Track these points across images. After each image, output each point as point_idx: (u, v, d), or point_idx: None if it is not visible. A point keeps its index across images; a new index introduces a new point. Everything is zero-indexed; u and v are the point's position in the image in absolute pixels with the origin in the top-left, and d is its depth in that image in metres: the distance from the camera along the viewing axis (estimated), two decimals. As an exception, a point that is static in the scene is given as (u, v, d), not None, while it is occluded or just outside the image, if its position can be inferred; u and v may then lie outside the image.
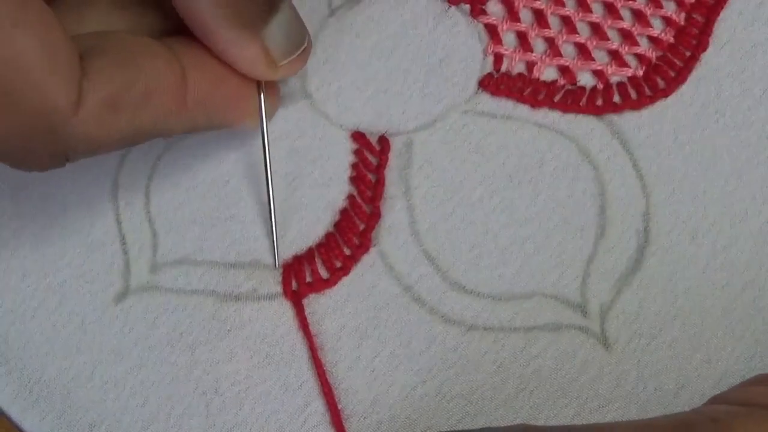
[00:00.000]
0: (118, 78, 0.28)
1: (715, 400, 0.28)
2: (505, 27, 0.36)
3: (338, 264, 0.33)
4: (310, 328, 0.33)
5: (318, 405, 0.32)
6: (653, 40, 0.36)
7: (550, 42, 0.36)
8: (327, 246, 0.33)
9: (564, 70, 0.36)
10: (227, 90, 0.31)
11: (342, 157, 0.35)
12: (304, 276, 0.33)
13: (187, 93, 0.29)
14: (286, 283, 0.33)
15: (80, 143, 0.28)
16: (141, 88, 0.28)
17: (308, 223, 0.34)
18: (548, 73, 0.36)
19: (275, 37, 0.30)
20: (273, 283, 0.33)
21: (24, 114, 0.26)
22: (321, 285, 0.33)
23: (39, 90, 0.26)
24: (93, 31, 0.29)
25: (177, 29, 0.30)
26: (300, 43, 0.32)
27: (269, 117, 0.33)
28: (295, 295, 0.33)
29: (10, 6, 0.25)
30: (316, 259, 0.33)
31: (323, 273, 0.33)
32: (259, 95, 0.32)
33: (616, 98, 0.35)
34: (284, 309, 0.33)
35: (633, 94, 0.35)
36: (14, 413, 0.32)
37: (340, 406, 0.32)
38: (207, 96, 0.30)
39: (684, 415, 0.27)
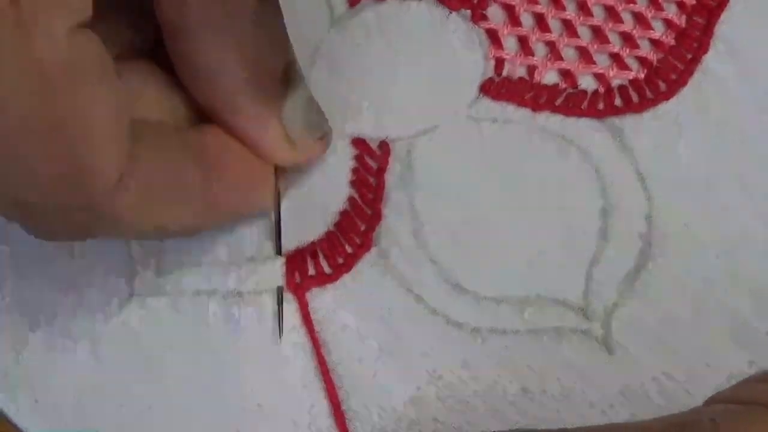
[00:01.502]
0: (158, 167, 0.28)
1: (713, 399, 0.28)
2: (506, 31, 0.37)
3: (340, 260, 0.34)
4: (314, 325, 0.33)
5: (323, 406, 0.33)
6: (654, 43, 0.37)
7: (551, 46, 0.37)
8: (329, 242, 0.34)
9: (565, 74, 0.36)
10: (245, 183, 0.31)
11: (343, 162, 0.35)
12: (307, 269, 0.34)
13: (209, 193, 0.30)
14: (289, 275, 0.34)
15: (110, 222, 0.27)
16: (176, 182, 0.29)
17: (309, 223, 0.35)
18: (549, 76, 0.36)
19: (294, 113, 0.31)
20: (276, 279, 0.34)
21: (72, 170, 0.25)
22: (324, 279, 0.34)
23: (96, 151, 0.25)
24: (137, 117, 0.28)
25: (194, 116, 0.31)
26: (318, 127, 0.33)
27: (282, 197, 0.34)
28: (299, 288, 0.34)
29: (98, 59, 0.25)
30: (318, 254, 0.34)
31: (326, 268, 0.34)
32: (277, 176, 0.33)
33: (618, 101, 0.36)
34: (288, 305, 0.34)
35: (634, 97, 0.36)
36: (24, 425, 0.33)
37: (343, 408, 0.32)
38: (227, 196, 0.31)
39: (682, 415, 0.27)
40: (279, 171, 0.33)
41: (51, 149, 0.25)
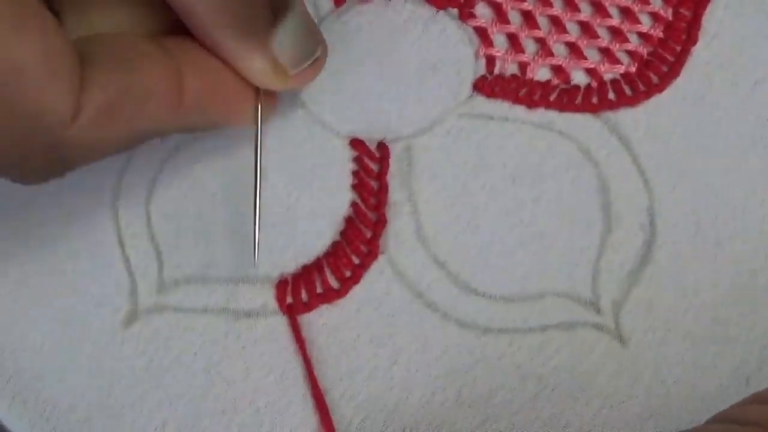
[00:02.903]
0: (116, 84, 0.28)
1: (714, 419, 0.29)
2: (494, 29, 0.38)
3: (348, 273, 0.34)
4: (318, 340, 0.34)
5: (338, 418, 0.33)
6: (643, 36, 0.38)
7: (541, 42, 0.38)
8: (335, 255, 0.34)
9: (557, 70, 0.37)
10: (225, 91, 0.31)
11: (342, 165, 0.35)
12: (315, 287, 0.34)
13: (184, 94, 0.30)
14: (280, 298, 0.34)
15: (79, 151, 0.28)
16: (138, 93, 0.28)
17: (314, 233, 0.35)
18: (541, 73, 0.37)
19: (284, 45, 0.30)
20: (268, 296, 0.34)
21: (23, 121, 0.26)
22: (332, 295, 0.34)
23: (38, 97, 0.26)
24: (89, 35, 0.29)
25: (178, 27, 0.31)
26: (312, 51, 0.32)
27: (267, 118, 0.33)
28: (291, 309, 0.34)
29: (9, 10, 0.26)
30: (325, 269, 0.34)
31: (333, 283, 0.34)
32: (257, 100, 0.32)
33: (611, 95, 0.37)
34: (282, 327, 0.34)
35: (627, 91, 0.37)
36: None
37: (361, 416, 0.32)
38: (204, 97, 0.30)
39: None
40: (261, 92, 0.32)
41: None
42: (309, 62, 0.32)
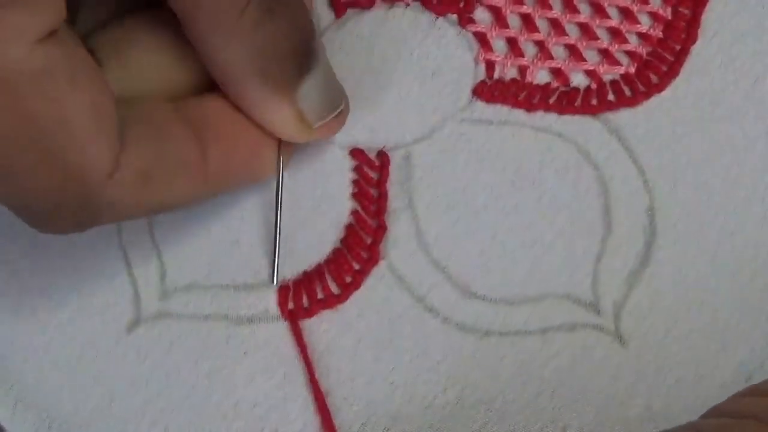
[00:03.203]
0: (152, 149, 0.29)
1: (708, 413, 0.29)
2: (494, 34, 0.38)
3: (348, 279, 0.35)
4: (319, 345, 0.35)
5: (339, 423, 0.33)
6: (642, 36, 0.38)
7: (541, 45, 0.38)
8: (336, 262, 0.35)
9: (556, 72, 0.38)
10: (246, 154, 0.32)
11: (342, 174, 0.36)
12: (315, 293, 0.35)
13: (208, 165, 0.30)
14: (282, 303, 0.35)
15: (108, 210, 0.28)
16: (170, 162, 0.29)
17: (314, 241, 0.35)
18: (541, 76, 0.38)
19: (310, 97, 0.31)
20: (271, 305, 0.35)
21: (63, 172, 0.27)
22: (333, 300, 0.35)
23: (82, 150, 0.27)
24: (123, 98, 0.29)
25: (205, 83, 0.31)
26: (336, 104, 0.32)
27: (285, 167, 0.34)
28: (292, 315, 0.35)
29: (65, 63, 0.26)
30: (326, 275, 0.35)
31: (334, 288, 0.35)
32: (279, 154, 0.33)
33: (611, 96, 0.37)
34: (283, 332, 0.34)
35: (627, 92, 0.37)
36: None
37: (362, 421, 0.33)
38: (226, 166, 0.31)
39: (675, 430, 0.28)
40: (281, 143, 0.33)
41: (33, 158, 0.26)
42: (333, 115, 0.32)
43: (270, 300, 0.35)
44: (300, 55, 0.31)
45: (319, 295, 0.35)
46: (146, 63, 0.31)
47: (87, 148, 0.27)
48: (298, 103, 0.31)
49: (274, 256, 0.34)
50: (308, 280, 0.35)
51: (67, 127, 0.26)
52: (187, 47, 0.30)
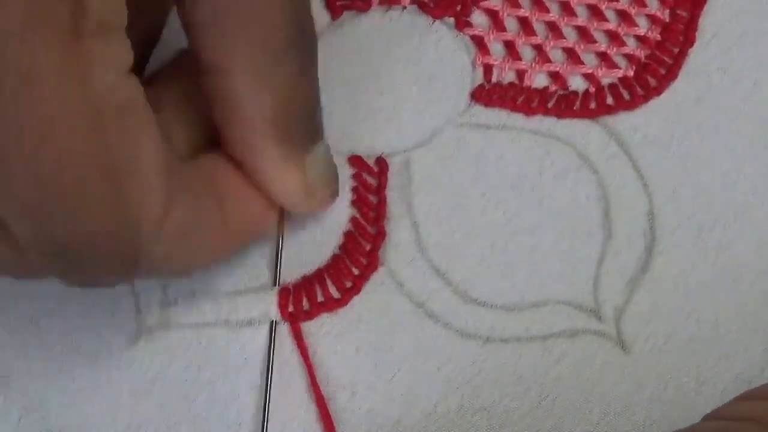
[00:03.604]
0: (190, 206, 0.28)
1: (708, 416, 0.29)
2: (491, 37, 0.38)
3: (348, 284, 0.35)
4: (319, 351, 0.34)
5: (340, 429, 0.33)
6: (640, 39, 0.38)
7: (538, 49, 0.38)
8: (335, 267, 0.35)
9: (555, 76, 0.38)
10: (256, 212, 0.32)
11: (341, 182, 0.36)
12: (315, 296, 0.34)
13: (227, 225, 0.30)
14: (282, 305, 0.34)
15: (147, 262, 0.27)
16: (203, 219, 0.29)
17: (313, 247, 0.35)
18: (539, 79, 0.38)
19: (316, 164, 0.31)
20: (271, 310, 0.35)
21: (121, 215, 0.26)
22: (333, 304, 0.34)
23: (145, 191, 0.26)
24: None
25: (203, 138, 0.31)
26: (334, 179, 0.33)
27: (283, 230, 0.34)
28: (292, 317, 0.34)
29: (144, 108, 0.26)
30: (326, 280, 0.35)
31: (334, 292, 0.35)
32: (280, 217, 0.34)
33: (609, 100, 0.37)
34: (284, 335, 0.34)
35: (625, 95, 0.37)
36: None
37: (363, 430, 0.33)
38: (241, 225, 0.31)
39: None
40: None
41: (101, 190, 0.25)
42: (332, 190, 0.33)
43: (271, 303, 0.35)
44: (315, 121, 0.31)
45: (320, 298, 0.35)
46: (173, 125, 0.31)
47: (150, 188, 0.26)
48: (306, 168, 0.31)
49: (277, 259, 0.34)
50: (308, 283, 0.35)
51: (139, 163, 0.26)
52: (187, 110, 0.31)
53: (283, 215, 0.34)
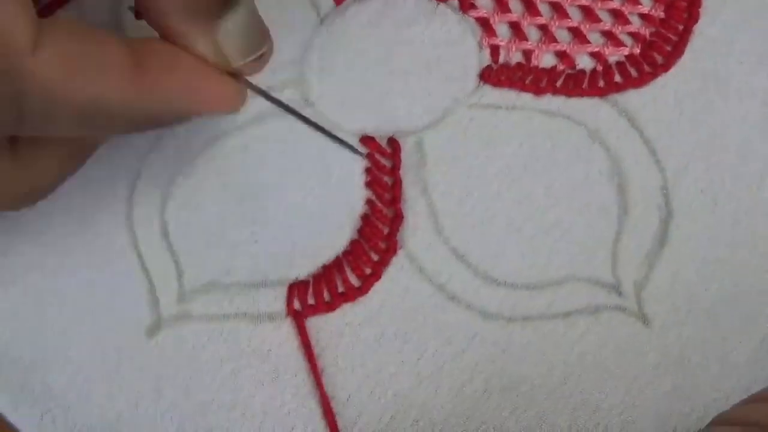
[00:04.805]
0: (74, 44, 0.29)
1: (716, 420, 0.30)
2: (496, 19, 0.38)
3: (368, 270, 0.35)
4: (342, 340, 0.35)
5: (367, 417, 0.33)
6: (645, 17, 0.38)
7: (544, 29, 0.38)
8: (354, 253, 0.35)
9: (562, 55, 0.38)
10: (186, 75, 0.32)
11: (354, 162, 0.36)
12: (336, 286, 0.35)
13: (144, 74, 0.30)
14: (289, 301, 0.35)
15: (36, 95, 0.28)
16: (95, 58, 0.29)
17: (331, 232, 0.35)
18: (546, 59, 0.38)
19: (230, 35, 0.31)
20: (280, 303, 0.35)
21: None
22: (354, 293, 0.34)
23: (2, 14, 0.27)
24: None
25: None
26: (258, 46, 0.33)
27: (235, 111, 0.33)
28: (298, 315, 0.35)
29: None
30: (345, 268, 0.35)
31: (354, 281, 0.35)
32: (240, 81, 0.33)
33: (617, 78, 0.38)
34: (319, 321, 0.34)
35: (633, 72, 0.38)
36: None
37: (390, 413, 0.33)
38: (163, 78, 0.31)
39: None
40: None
41: None
42: (254, 56, 0.33)
43: (275, 296, 0.35)
44: None
45: (340, 288, 0.35)
46: None
47: (7, 11, 0.27)
48: (218, 39, 0.31)
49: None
50: (328, 273, 0.35)
51: None
52: None
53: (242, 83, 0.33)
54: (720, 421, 0.30)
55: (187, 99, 0.32)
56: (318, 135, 0.36)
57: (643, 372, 0.34)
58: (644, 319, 0.35)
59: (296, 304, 0.35)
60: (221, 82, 0.32)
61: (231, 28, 0.31)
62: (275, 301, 0.35)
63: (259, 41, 0.33)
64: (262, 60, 0.33)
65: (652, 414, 0.34)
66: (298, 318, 0.34)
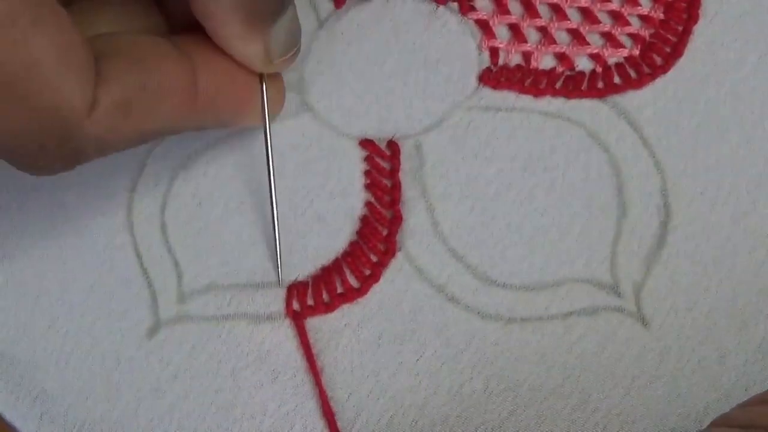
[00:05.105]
0: (132, 80, 0.29)
1: (717, 421, 0.30)
2: (496, 21, 0.39)
3: (367, 272, 0.35)
4: (341, 340, 0.35)
5: (366, 417, 0.33)
6: (644, 18, 0.39)
7: (543, 31, 0.39)
8: (353, 255, 0.35)
9: (561, 57, 0.38)
10: (235, 88, 0.33)
11: (353, 165, 0.36)
12: (335, 287, 0.35)
13: (198, 92, 0.31)
14: (288, 302, 0.35)
15: (92, 145, 0.29)
16: (153, 90, 0.30)
17: (330, 234, 0.36)
18: (546, 61, 0.38)
19: (278, 36, 0.32)
20: (279, 304, 0.35)
21: (39, 114, 0.28)
22: (353, 294, 0.35)
23: (54, 90, 0.28)
24: (105, 33, 0.30)
25: (183, 27, 0.32)
26: (295, 44, 0.34)
27: (274, 114, 0.35)
28: (297, 316, 0.35)
29: (27, 5, 0.27)
30: (344, 269, 0.35)
31: (353, 282, 0.35)
32: (262, 88, 0.34)
33: (617, 79, 0.38)
34: (318, 322, 0.35)
35: (632, 74, 0.38)
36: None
37: (390, 413, 0.33)
38: (216, 94, 0.32)
39: None
40: (266, 81, 0.34)
41: (3, 103, 0.27)
42: (291, 53, 0.34)
43: (275, 297, 0.35)
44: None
45: (339, 290, 0.35)
46: (115, 18, 0.32)
47: (59, 87, 0.28)
48: (268, 40, 0.32)
49: (277, 258, 0.35)
50: (327, 274, 0.35)
51: (35, 70, 0.27)
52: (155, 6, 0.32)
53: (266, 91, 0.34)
54: (720, 422, 0.30)
55: (237, 113, 0.34)
56: (318, 138, 0.36)
57: (642, 373, 0.34)
58: (643, 320, 0.35)
59: (295, 305, 0.35)
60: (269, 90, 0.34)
61: (279, 30, 0.32)
62: (274, 301, 0.35)
63: (297, 40, 0.34)
64: (294, 57, 0.34)
65: (651, 415, 0.34)
66: (297, 319, 0.35)
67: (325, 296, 0.35)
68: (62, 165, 0.30)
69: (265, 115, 0.34)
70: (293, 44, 0.34)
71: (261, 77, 0.34)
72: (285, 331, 0.35)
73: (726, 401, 0.34)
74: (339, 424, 0.34)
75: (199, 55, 0.32)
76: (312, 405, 0.34)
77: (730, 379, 0.34)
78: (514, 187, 0.36)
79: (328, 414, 0.34)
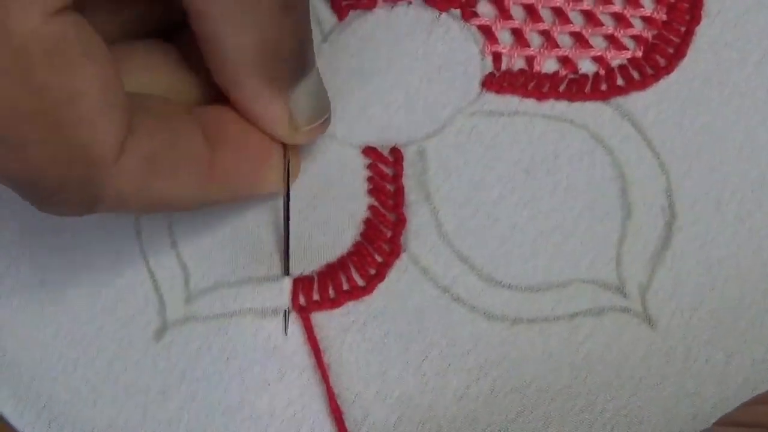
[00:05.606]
0: (161, 138, 0.29)
1: (722, 421, 0.30)
2: (498, 26, 0.39)
3: (372, 271, 0.35)
4: (347, 339, 0.35)
5: (373, 418, 0.34)
6: (646, 20, 0.39)
7: (546, 34, 0.39)
8: (358, 254, 0.36)
9: (564, 60, 0.39)
10: (253, 159, 0.33)
11: (357, 173, 0.37)
12: (341, 283, 0.35)
13: (215, 167, 0.31)
14: (294, 295, 0.35)
15: (111, 194, 0.29)
16: (178, 154, 0.30)
17: (334, 236, 0.36)
18: (549, 65, 0.38)
19: (301, 100, 0.32)
20: (284, 298, 0.36)
21: (69, 149, 0.27)
22: (359, 292, 0.35)
23: (90, 125, 0.27)
24: (133, 92, 0.30)
25: (206, 96, 0.33)
26: (323, 112, 0.34)
27: (293, 179, 0.35)
28: (303, 310, 0.35)
29: (78, 37, 0.27)
30: (350, 267, 0.35)
31: (359, 280, 0.36)
32: (286, 157, 0.34)
33: (620, 81, 0.38)
34: (324, 319, 0.35)
35: (636, 75, 0.38)
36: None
37: (396, 415, 0.34)
38: (232, 169, 0.32)
39: None
40: (288, 150, 0.34)
41: (43, 130, 0.27)
42: (320, 121, 0.34)
43: (284, 293, 0.35)
44: (300, 57, 0.32)
45: (345, 287, 0.35)
46: (149, 80, 0.32)
47: (96, 124, 0.27)
48: (290, 104, 0.32)
49: (286, 248, 0.35)
50: (333, 270, 0.36)
51: (78, 101, 0.27)
52: (189, 67, 0.32)
53: (288, 161, 0.34)
54: (725, 422, 0.30)
55: (254, 182, 0.34)
56: (321, 148, 0.37)
57: (649, 373, 0.34)
58: (649, 321, 0.35)
59: (301, 300, 0.35)
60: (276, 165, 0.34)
61: (303, 93, 0.32)
62: (280, 295, 0.35)
63: (325, 107, 0.34)
64: (324, 125, 0.34)
65: (658, 415, 0.34)
66: (303, 313, 0.35)
67: (330, 292, 0.35)
68: (75, 208, 0.29)
69: (287, 186, 0.35)
70: (321, 111, 0.34)
71: (285, 148, 0.34)
72: (291, 326, 0.35)
73: (733, 401, 0.34)
74: (347, 425, 0.34)
75: (218, 128, 0.32)
76: (319, 404, 0.34)
77: (738, 379, 0.34)
78: (519, 190, 0.37)
79: (335, 411, 0.34)
